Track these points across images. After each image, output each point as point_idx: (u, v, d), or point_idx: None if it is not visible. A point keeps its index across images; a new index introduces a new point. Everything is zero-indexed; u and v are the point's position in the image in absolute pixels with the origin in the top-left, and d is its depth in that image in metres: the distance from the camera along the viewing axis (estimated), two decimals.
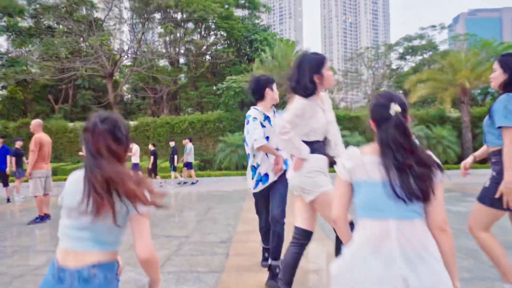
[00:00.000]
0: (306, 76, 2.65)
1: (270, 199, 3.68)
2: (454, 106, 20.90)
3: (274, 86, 3.74)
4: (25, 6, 28.60)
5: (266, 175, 3.64)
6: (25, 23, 29.45)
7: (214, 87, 27.29)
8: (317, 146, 2.74)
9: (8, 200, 10.60)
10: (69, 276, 1.47)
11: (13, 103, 30.72)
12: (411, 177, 1.56)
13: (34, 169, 6.79)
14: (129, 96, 36.59)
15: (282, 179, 3.54)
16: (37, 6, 28.48)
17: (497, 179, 2.67)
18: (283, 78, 20.10)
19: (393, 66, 39.82)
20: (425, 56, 35.90)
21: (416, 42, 37.23)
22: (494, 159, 2.80)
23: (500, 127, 2.63)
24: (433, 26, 37.30)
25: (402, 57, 38.42)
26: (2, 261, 4.56)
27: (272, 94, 3.68)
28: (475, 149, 19.52)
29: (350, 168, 1.74)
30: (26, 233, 6.27)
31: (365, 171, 1.68)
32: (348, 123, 19.95)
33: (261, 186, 3.69)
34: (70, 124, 22.69)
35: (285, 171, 3.47)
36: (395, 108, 1.64)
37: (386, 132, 1.64)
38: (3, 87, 30.61)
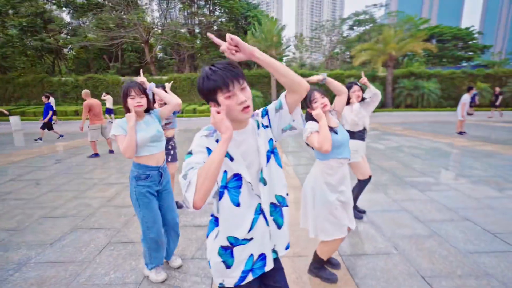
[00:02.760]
0: None
1: None
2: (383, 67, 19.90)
3: None
4: None
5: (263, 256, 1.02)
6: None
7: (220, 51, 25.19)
8: None
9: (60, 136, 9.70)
10: None
11: (79, 61, 28.45)
12: None
13: (91, 124, 6.51)
14: (161, 55, 33.98)
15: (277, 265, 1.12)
16: None
17: None
18: (267, 47, 18.50)
19: (344, 34, 36.92)
20: (367, 27, 33.16)
21: (362, 17, 34.08)
22: None
23: None
24: (375, 5, 34.22)
25: (351, 28, 35.38)
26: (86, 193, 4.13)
27: None
28: (393, 99, 18.85)
29: None
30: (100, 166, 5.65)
31: None
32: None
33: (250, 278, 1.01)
34: (121, 78, 21.26)
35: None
36: None
37: None
38: (70, 49, 27.94)
